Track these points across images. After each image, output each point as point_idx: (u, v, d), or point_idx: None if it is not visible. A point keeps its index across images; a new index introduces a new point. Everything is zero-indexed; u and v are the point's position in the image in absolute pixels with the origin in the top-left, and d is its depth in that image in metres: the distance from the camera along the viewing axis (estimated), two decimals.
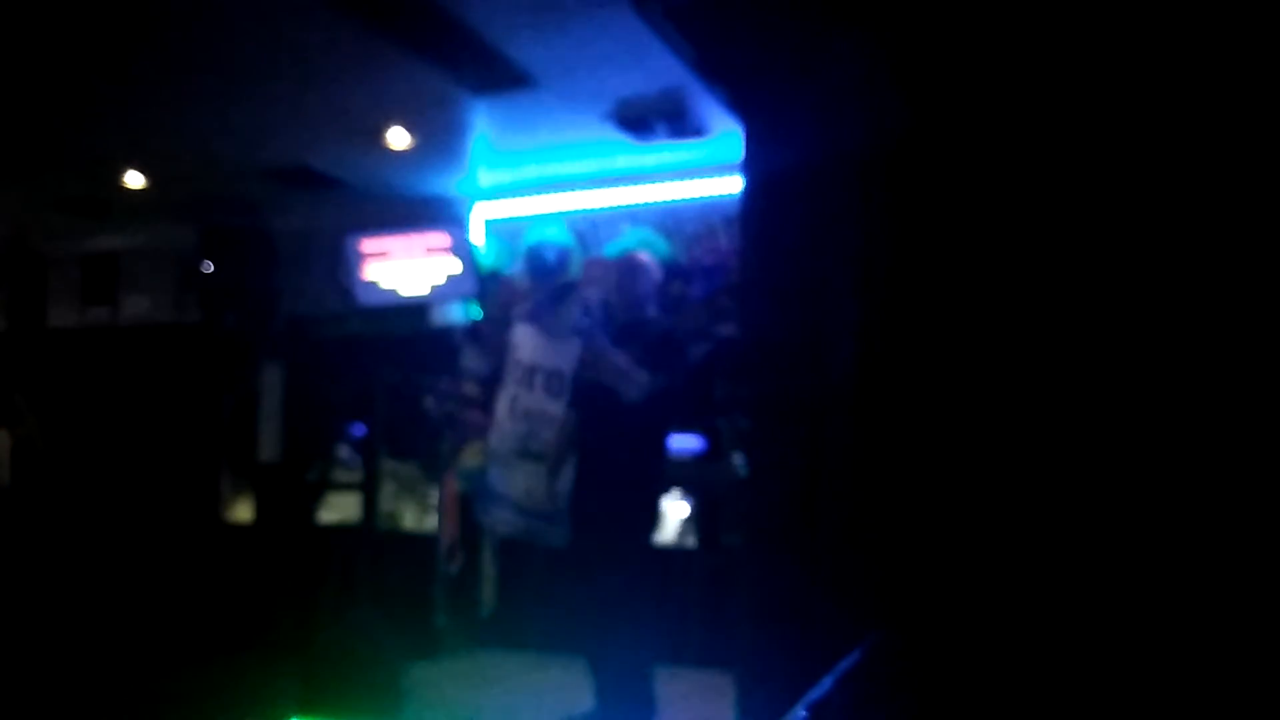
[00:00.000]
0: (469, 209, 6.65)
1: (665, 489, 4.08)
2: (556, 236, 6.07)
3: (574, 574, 3.85)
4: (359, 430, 7.06)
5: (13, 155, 6.03)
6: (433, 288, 6.51)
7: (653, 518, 3.83)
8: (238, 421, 7.36)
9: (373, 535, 6.65)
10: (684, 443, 5.36)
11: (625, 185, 6.15)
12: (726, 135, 5.31)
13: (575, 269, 5.93)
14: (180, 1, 4.13)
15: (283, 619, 6.12)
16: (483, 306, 6.43)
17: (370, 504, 6.76)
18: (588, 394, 3.81)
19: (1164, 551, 1.93)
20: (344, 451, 7.16)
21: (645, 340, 3.76)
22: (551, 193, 6.34)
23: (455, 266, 6.43)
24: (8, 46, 4.55)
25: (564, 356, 4.11)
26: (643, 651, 3.69)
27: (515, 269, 6.24)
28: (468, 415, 5.95)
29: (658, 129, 5.33)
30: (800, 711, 1.69)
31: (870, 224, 2.31)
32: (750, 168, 2.60)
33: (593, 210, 6.22)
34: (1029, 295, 2.11)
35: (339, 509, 7.02)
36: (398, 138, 5.62)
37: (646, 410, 3.66)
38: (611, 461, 3.69)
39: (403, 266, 6.57)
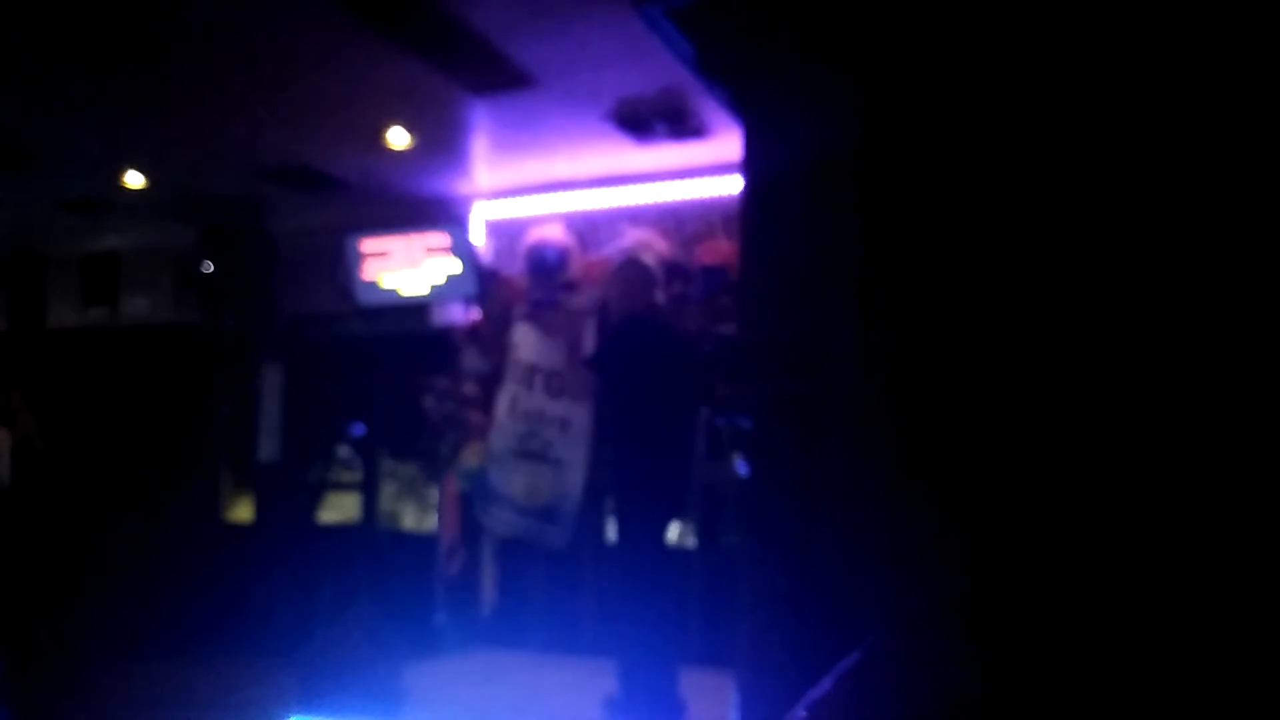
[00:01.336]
0: (469, 209, 6.65)
1: (684, 490, 4.06)
2: (556, 236, 6.07)
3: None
4: (359, 430, 7.08)
5: (13, 155, 6.03)
6: (433, 288, 6.51)
7: (666, 516, 3.84)
8: (238, 421, 7.36)
9: (373, 535, 6.66)
10: None
11: (625, 185, 6.15)
12: (726, 135, 5.31)
13: (575, 269, 5.93)
14: (180, 2, 4.13)
15: (283, 619, 6.13)
16: (483, 306, 6.43)
17: (370, 504, 6.78)
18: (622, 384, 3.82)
19: (1167, 553, 1.93)
20: (344, 451, 7.17)
21: (644, 335, 3.77)
22: (551, 193, 6.34)
23: (455, 266, 6.43)
24: (8, 46, 4.55)
25: (564, 356, 4.12)
26: (666, 648, 3.70)
27: (515, 269, 6.25)
28: (468, 415, 5.96)
29: (658, 129, 5.33)
30: (800, 712, 1.69)
31: (870, 224, 2.31)
32: (750, 168, 2.60)
33: (593, 210, 6.23)
34: (1029, 294, 2.11)
35: (339, 509, 7.03)
36: (398, 138, 5.62)
37: (666, 410, 3.68)
38: (637, 458, 3.72)
39: (403, 266, 6.57)
